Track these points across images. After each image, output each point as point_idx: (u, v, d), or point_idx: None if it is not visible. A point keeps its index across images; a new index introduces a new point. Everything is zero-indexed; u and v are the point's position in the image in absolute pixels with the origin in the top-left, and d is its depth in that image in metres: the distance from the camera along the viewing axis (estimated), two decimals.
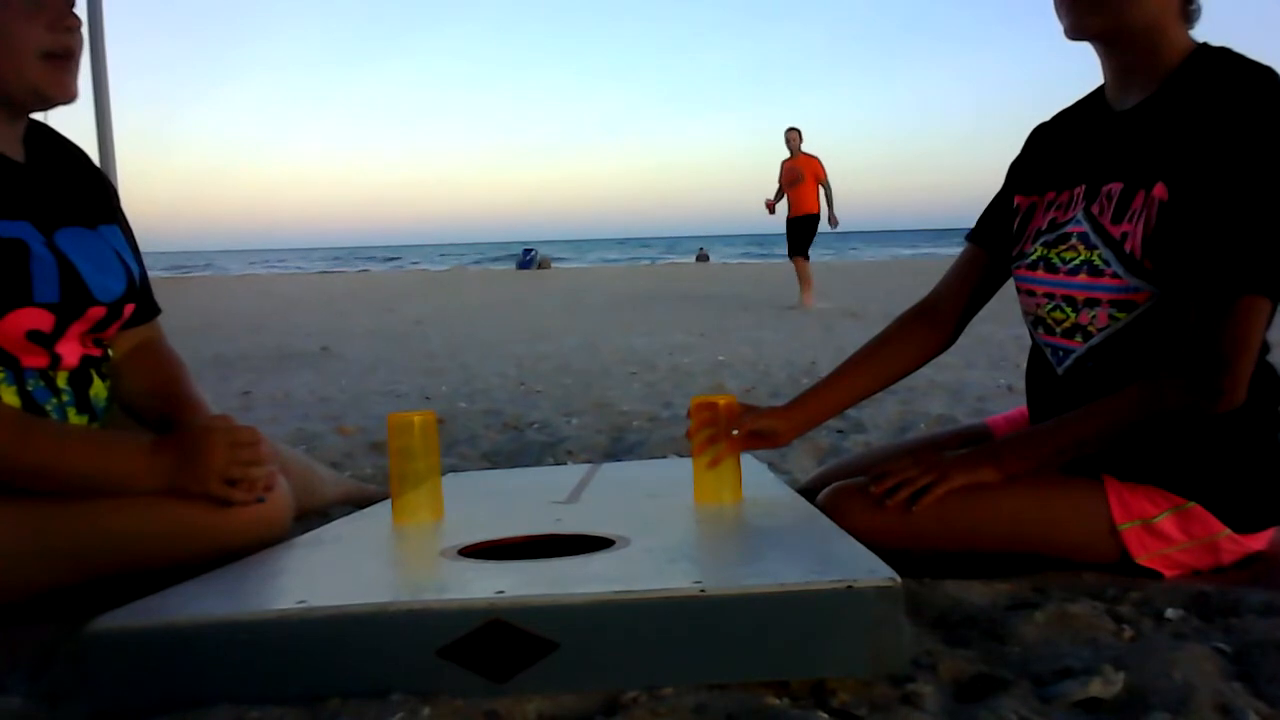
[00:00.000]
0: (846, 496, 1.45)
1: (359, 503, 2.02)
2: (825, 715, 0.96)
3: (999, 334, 5.51)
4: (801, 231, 9.49)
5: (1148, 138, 1.38)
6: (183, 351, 1.69)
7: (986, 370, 4.37)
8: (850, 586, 1.01)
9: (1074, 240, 1.45)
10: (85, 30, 1.44)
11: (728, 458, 1.55)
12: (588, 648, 1.01)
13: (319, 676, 1.01)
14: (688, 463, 1.64)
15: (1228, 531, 1.38)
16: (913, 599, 1.30)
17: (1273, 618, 1.21)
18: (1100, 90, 1.52)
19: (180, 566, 1.29)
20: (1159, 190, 1.33)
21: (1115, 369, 1.40)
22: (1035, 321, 1.53)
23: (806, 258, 9.57)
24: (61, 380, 1.44)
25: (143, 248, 1.65)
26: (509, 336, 7.13)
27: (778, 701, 0.99)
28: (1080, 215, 1.46)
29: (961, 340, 1.73)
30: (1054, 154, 1.57)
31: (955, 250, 1.80)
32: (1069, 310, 1.45)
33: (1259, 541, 1.42)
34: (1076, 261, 1.44)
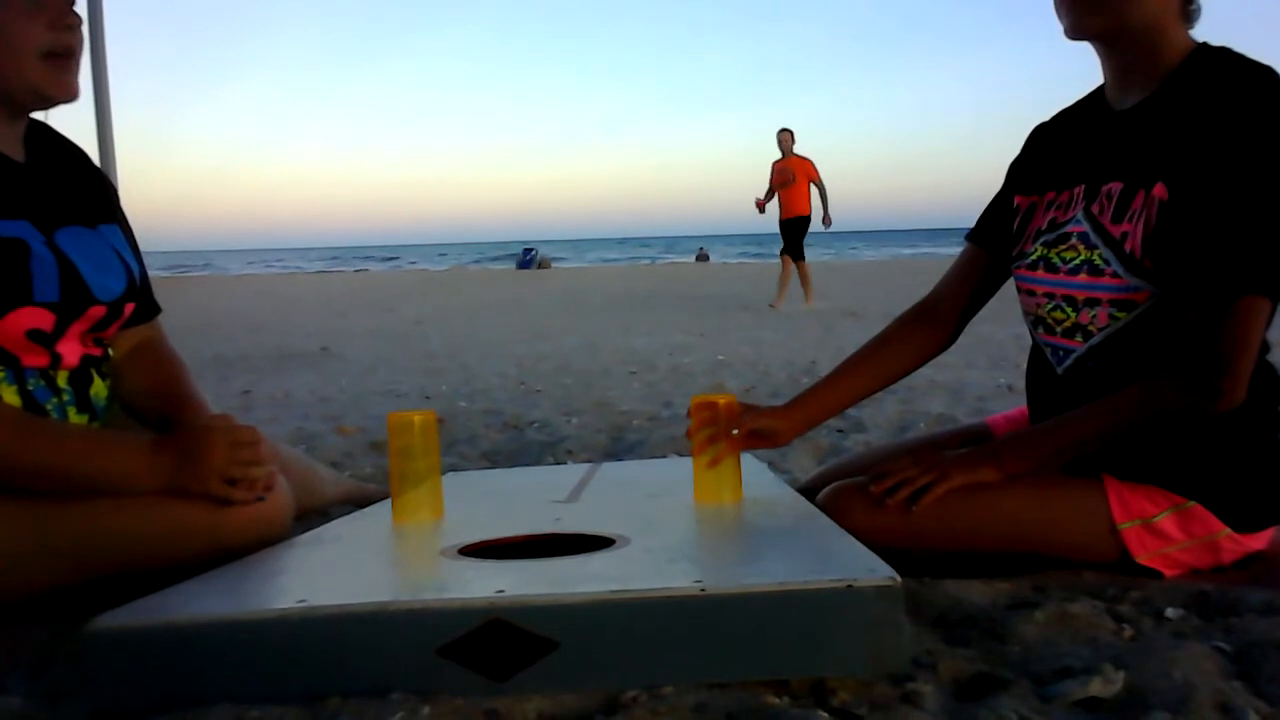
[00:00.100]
0: (846, 496, 1.45)
1: (359, 502, 2.02)
2: (825, 714, 0.96)
3: (999, 334, 5.51)
4: (792, 234, 9.44)
5: (1148, 137, 1.38)
6: (183, 351, 1.69)
7: (986, 370, 4.37)
8: (850, 586, 1.01)
9: (1074, 240, 1.45)
10: (85, 30, 1.44)
11: (728, 457, 1.55)
12: (588, 647, 1.01)
13: (319, 676, 1.01)
14: (688, 462, 1.64)
15: (1228, 531, 1.38)
16: (913, 598, 1.30)
17: (1273, 617, 1.21)
18: (1100, 90, 1.52)
19: (180, 566, 1.29)
20: (1159, 190, 1.33)
21: (1115, 369, 1.40)
22: (1035, 321, 1.53)
23: (801, 259, 9.53)
24: (62, 380, 1.44)
25: (142, 247, 1.65)
26: (509, 336, 7.13)
27: (778, 701, 0.99)
28: (1080, 215, 1.46)
29: (961, 340, 1.73)
30: (1054, 154, 1.57)
31: (955, 250, 1.80)
32: (1069, 310, 1.45)
33: (1259, 541, 1.42)
34: (1076, 261, 1.44)
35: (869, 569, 1.06)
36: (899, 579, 1.03)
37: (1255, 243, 1.25)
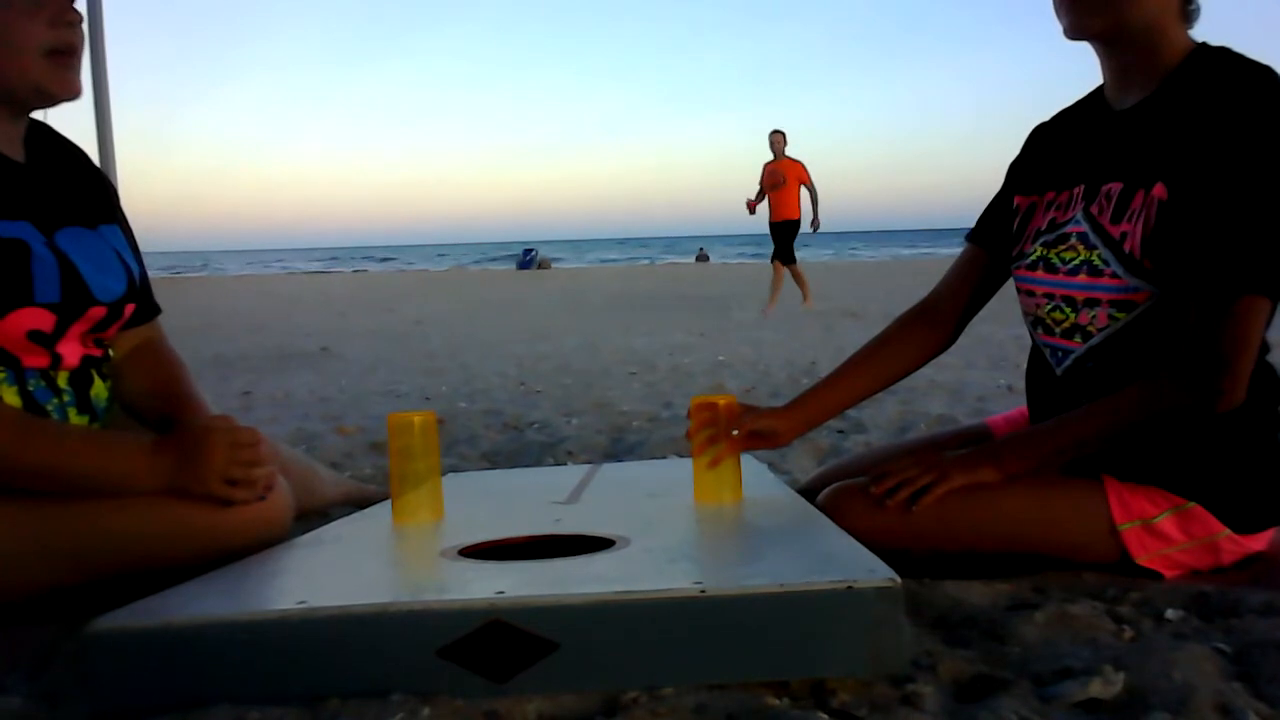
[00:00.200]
0: (847, 496, 1.45)
1: (359, 503, 2.02)
2: (825, 715, 0.96)
3: (999, 334, 5.51)
4: (782, 237, 9.35)
5: (1147, 137, 1.38)
6: (183, 352, 1.69)
7: (986, 370, 4.37)
8: (850, 587, 1.01)
9: (1073, 240, 1.45)
10: (85, 30, 1.44)
11: (728, 458, 1.55)
12: (588, 648, 1.01)
13: (319, 677, 1.01)
14: (688, 463, 1.64)
15: (1228, 532, 1.38)
16: (913, 599, 1.30)
17: (1273, 618, 1.21)
18: (1100, 90, 1.52)
19: (181, 567, 1.28)
20: (1158, 190, 1.33)
21: (1115, 369, 1.40)
22: (1035, 322, 1.53)
23: (792, 262, 9.42)
24: (62, 380, 1.44)
25: (142, 247, 1.65)
26: (509, 336, 7.13)
27: (778, 701, 0.99)
28: (1080, 215, 1.46)
29: (961, 340, 1.73)
30: (1053, 154, 1.57)
31: (955, 250, 1.80)
32: (1068, 310, 1.45)
33: (1259, 542, 1.42)
34: (1076, 261, 1.44)
35: (869, 570, 1.06)
36: (899, 580, 1.03)
37: (1255, 243, 1.25)
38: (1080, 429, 1.38)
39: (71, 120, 1.65)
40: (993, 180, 1.72)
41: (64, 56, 1.39)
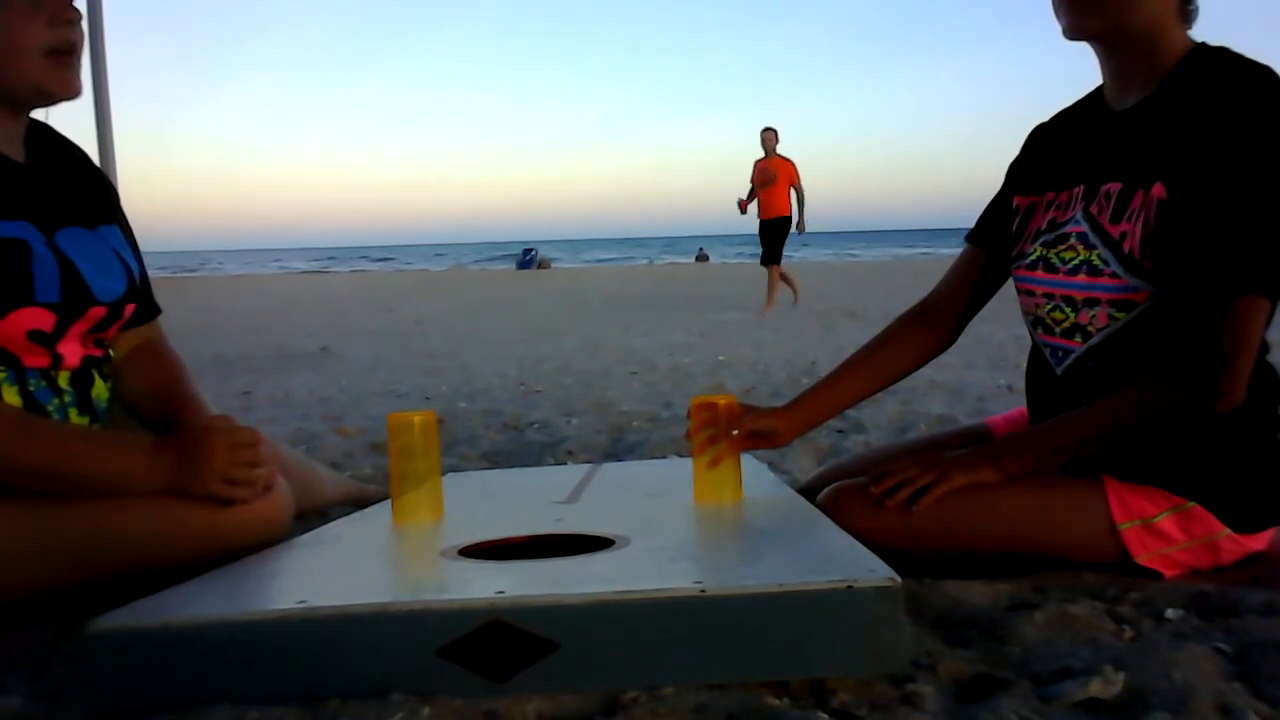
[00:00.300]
0: (847, 496, 1.45)
1: (359, 503, 2.02)
2: (825, 715, 0.96)
3: (999, 334, 5.52)
4: (772, 235, 9.23)
5: (1146, 138, 1.38)
6: (182, 352, 1.69)
7: (986, 370, 4.37)
8: (850, 586, 1.01)
9: (1073, 240, 1.45)
10: (85, 30, 1.44)
11: (728, 458, 1.56)
12: (588, 648, 1.01)
13: (319, 676, 1.01)
14: (688, 463, 1.64)
15: (1228, 531, 1.38)
16: (913, 599, 1.30)
17: (1273, 618, 1.21)
18: (1099, 90, 1.52)
19: (180, 567, 1.28)
20: (1158, 190, 1.33)
21: (1114, 369, 1.40)
22: (1035, 322, 1.53)
23: (775, 263, 9.29)
24: (63, 381, 1.44)
25: (142, 247, 1.65)
26: (509, 336, 7.13)
27: (778, 701, 0.99)
28: (1079, 215, 1.46)
29: (961, 340, 1.73)
30: (1053, 154, 1.57)
31: (955, 250, 1.80)
32: (1068, 310, 1.45)
33: (1259, 541, 1.42)
34: (1076, 261, 1.44)
35: (869, 570, 1.06)
36: (899, 580, 1.03)
37: (1254, 242, 1.25)
38: (1080, 429, 1.38)
39: (71, 120, 1.65)
40: (992, 180, 1.73)
41: (64, 55, 1.39)
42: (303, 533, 1.50)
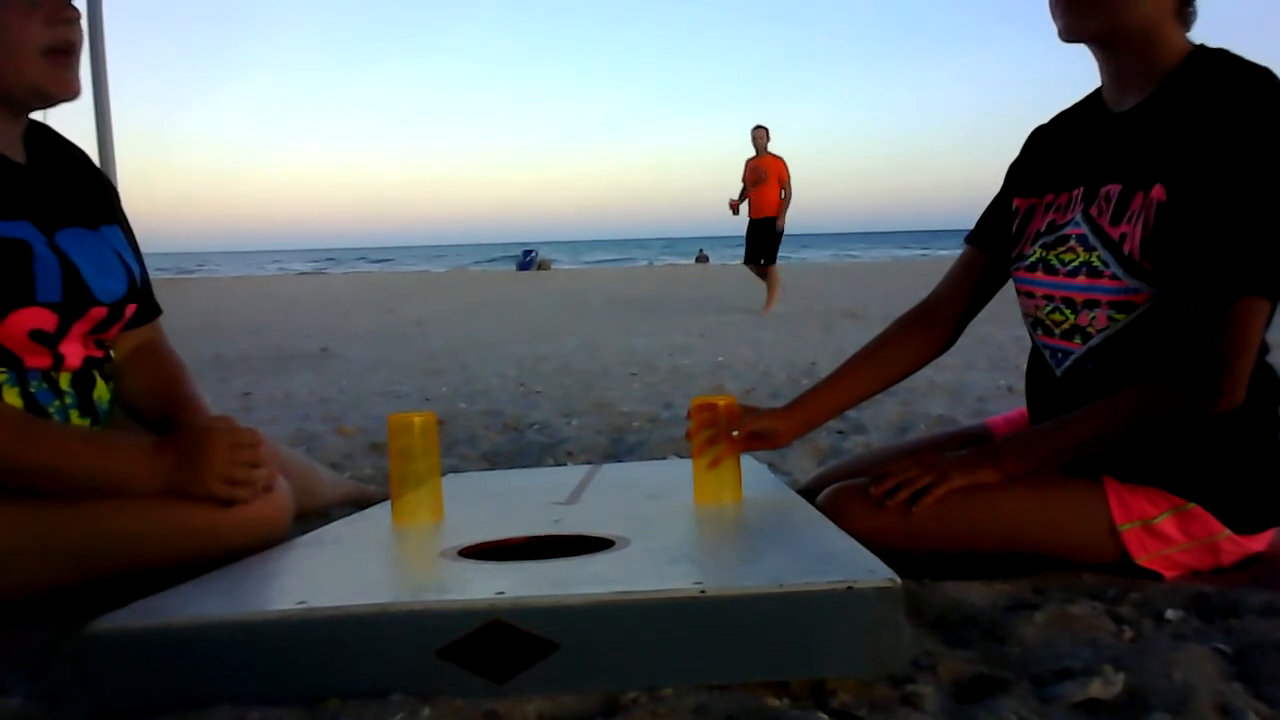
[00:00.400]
0: (847, 497, 1.45)
1: (359, 503, 2.02)
2: (825, 716, 0.96)
3: (999, 335, 5.52)
4: (767, 235, 9.11)
5: (1145, 139, 1.38)
6: (183, 352, 1.69)
7: (986, 371, 4.37)
8: (850, 587, 1.01)
9: (1073, 242, 1.45)
10: (85, 30, 1.44)
11: (728, 459, 1.56)
12: (588, 648, 1.01)
13: (319, 677, 1.01)
14: (688, 464, 1.64)
15: (1228, 532, 1.38)
16: (912, 600, 1.30)
17: (1273, 619, 1.21)
18: (1098, 92, 1.52)
19: (181, 567, 1.29)
20: (1157, 192, 1.34)
21: (1114, 370, 1.40)
22: (1034, 323, 1.53)
23: (773, 262, 9.19)
24: (64, 382, 1.44)
25: (142, 248, 1.65)
26: (509, 337, 7.13)
27: (778, 702, 0.99)
28: (1079, 217, 1.46)
29: (961, 341, 1.73)
30: (1052, 156, 1.57)
31: (955, 251, 1.80)
32: (1068, 312, 1.45)
33: (1259, 542, 1.42)
34: (1075, 263, 1.44)
35: (869, 570, 1.06)
36: (899, 580, 1.03)
37: (1254, 244, 1.25)
38: (1080, 430, 1.38)
39: (71, 120, 1.65)
40: (992, 181, 1.73)
41: (62, 55, 1.39)
42: (303, 533, 1.50)
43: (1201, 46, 1.38)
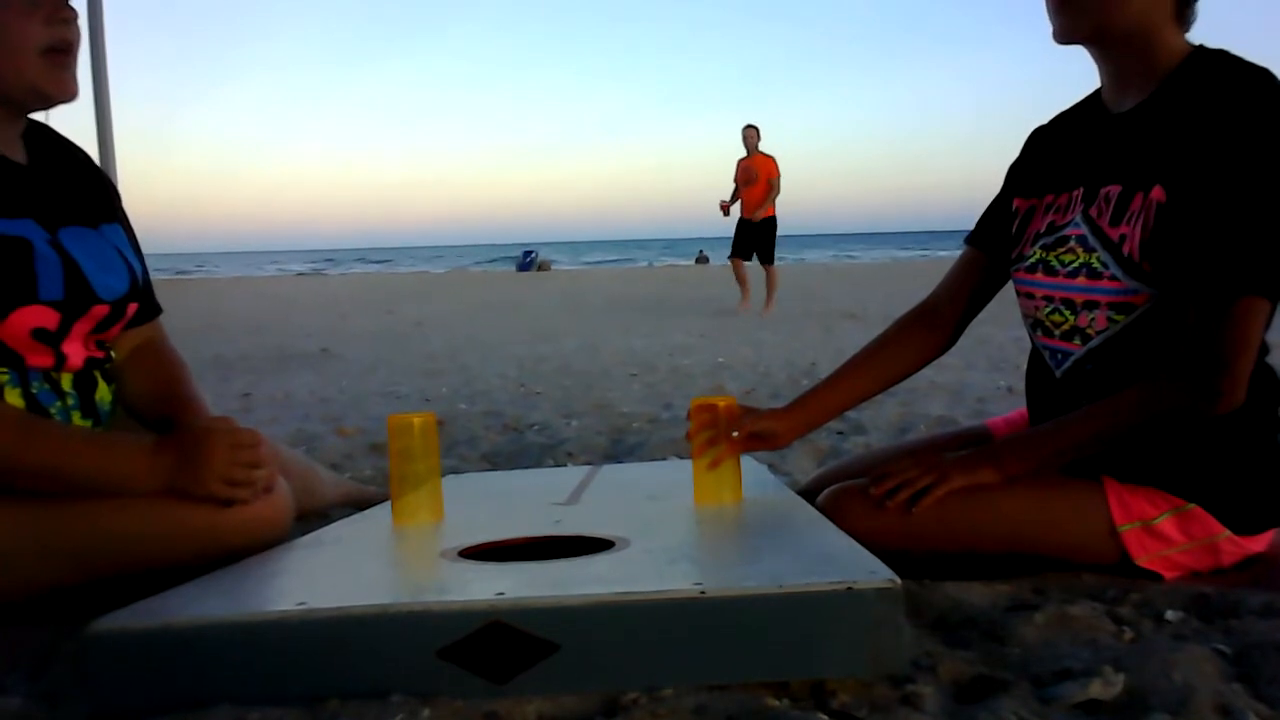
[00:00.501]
0: (847, 498, 1.45)
1: (359, 504, 2.02)
2: (825, 716, 0.96)
3: (999, 336, 5.52)
4: (762, 236, 9.06)
5: (1145, 140, 1.38)
6: (183, 352, 1.69)
7: (986, 372, 4.37)
8: (850, 588, 1.01)
9: (1072, 243, 1.45)
10: (86, 30, 1.44)
11: (728, 459, 1.56)
12: (588, 649, 1.01)
13: (319, 678, 1.01)
14: (688, 464, 1.64)
15: (1228, 533, 1.38)
16: (912, 600, 1.30)
17: (1273, 619, 1.21)
18: (1098, 93, 1.52)
19: (181, 567, 1.29)
20: (1157, 192, 1.34)
21: (1114, 371, 1.40)
22: (1034, 324, 1.53)
23: (771, 262, 9.14)
24: (66, 383, 1.44)
25: (142, 248, 1.65)
26: (509, 338, 7.13)
27: (778, 702, 0.99)
28: (1079, 218, 1.46)
29: (961, 342, 1.73)
30: (1052, 157, 1.58)
31: (954, 252, 1.80)
32: (1067, 313, 1.45)
33: (1259, 543, 1.42)
34: (1075, 264, 1.44)
35: (869, 571, 1.06)
36: (899, 581, 1.03)
37: (1254, 244, 1.25)
38: (1080, 431, 1.38)
39: (71, 120, 1.65)
40: (992, 181, 1.73)
41: (60, 55, 1.39)
42: (303, 534, 1.50)
43: (1201, 47, 1.38)
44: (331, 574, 1.25)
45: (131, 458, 1.37)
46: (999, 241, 1.62)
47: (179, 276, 28.32)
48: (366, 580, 1.22)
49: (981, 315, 1.70)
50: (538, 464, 2.67)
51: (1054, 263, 1.47)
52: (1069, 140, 1.55)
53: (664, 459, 2.63)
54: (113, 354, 1.58)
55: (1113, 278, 1.38)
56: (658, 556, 1.21)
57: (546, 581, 1.10)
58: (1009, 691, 1.02)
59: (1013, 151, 1.69)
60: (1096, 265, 1.40)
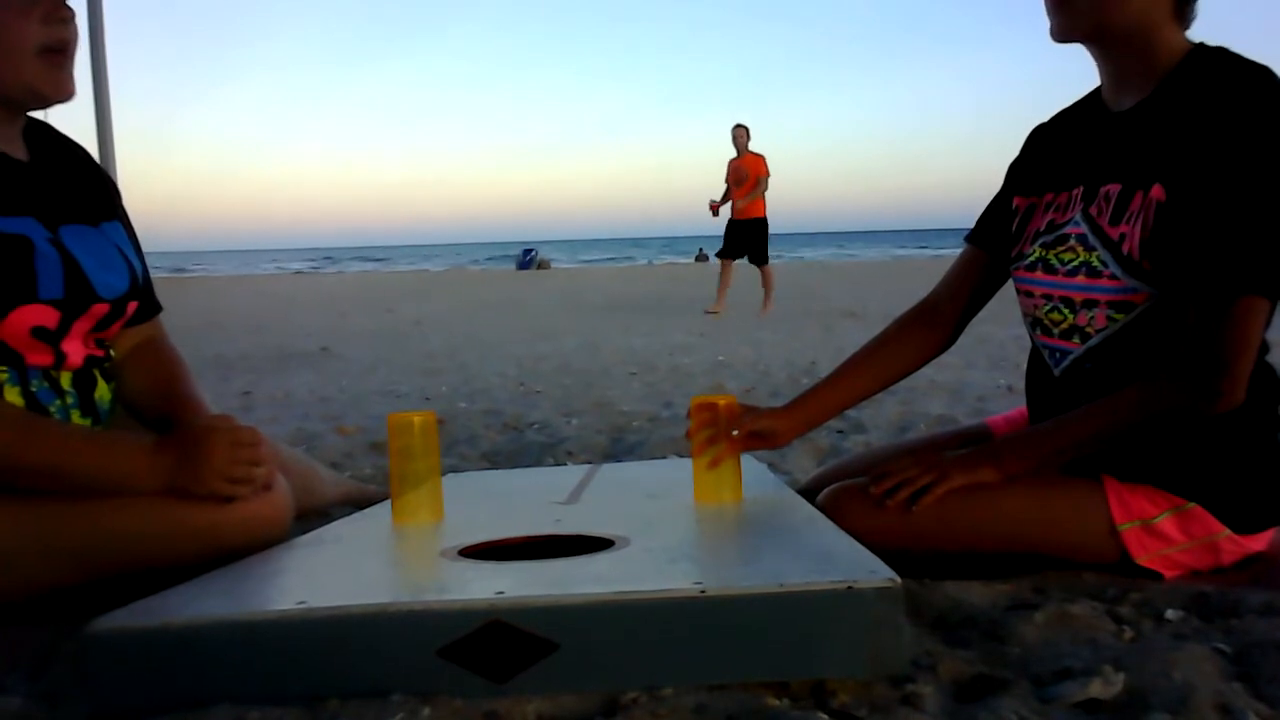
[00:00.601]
0: (847, 497, 1.45)
1: (359, 503, 2.02)
2: (825, 716, 0.96)
3: (999, 334, 5.52)
4: (754, 238, 9.00)
5: (1145, 139, 1.38)
6: (183, 351, 1.69)
7: (986, 370, 4.37)
8: (850, 587, 1.01)
9: (1072, 241, 1.45)
10: (86, 30, 1.44)
11: (728, 458, 1.56)
12: (588, 648, 1.01)
13: (319, 677, 1.01)
14: (688, 463, 1.64)
15: (1227, 532, 1.38)
16: (912, 599, 1.30)
17: (1273, 618, 1.21)
18: (1097, 91, 1.52)
19: (181, 567, 1.29)
20: (1156, 191, 1.33)
21: (1113, 370, 1.40)
22: (1033, 323, 1.53)
23: (765, 262, 9.09)
24: (66, 382, 1.44)
25: (142, 247, 1.65)
26: (509, 337, 7.13)
27: (778, 702, 0.99)
28: (1079, 217, 1.46)
29: (961, 340, 1.73)
30: (1052, 155, 1.57)
31: (955, 251, 1.80)
32: (1067, 311, 1.45)
33: (1259, 542, 1.42)
34: (1075, 263, 1.44)
35: (869, 570, 1.06)
36: (899, 580, 1.03)
37: (1254, 243, 1.25)
38: (1079, 430, 1.38)
39: (71, 120, 1.65)
40: (992, 180, 1.73)
41: (57, 55, 1.39)
42: (303, 533, 1.50)
43: (1201, 45, 1.38)
44: (331, 573, 1.25)
45: (132, 456, 1.37)
46: (999, 240, 1.62)
47: (177, 274, 28.31)
48: (366, 579, 1.22)
49: (981, 314, 1.70)
50: (537, 463, 2.67)
51: (1054, 261, 1.47)
52: (1069, 139, 1.55)
53: (664, 458, 2.63)
54: (112, 352, 1.58)
55: (1112, 276, 1.38)
56: (658, 555, 1.21)
57: (546, 581, 1.10)
58: (1009, 691, 1.03)
59: (1012, 151, 1.69)
60: (1096, 264, 1.40)
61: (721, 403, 1.58)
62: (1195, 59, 1.36)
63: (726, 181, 9.18)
